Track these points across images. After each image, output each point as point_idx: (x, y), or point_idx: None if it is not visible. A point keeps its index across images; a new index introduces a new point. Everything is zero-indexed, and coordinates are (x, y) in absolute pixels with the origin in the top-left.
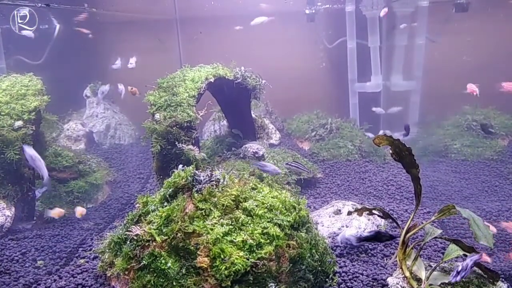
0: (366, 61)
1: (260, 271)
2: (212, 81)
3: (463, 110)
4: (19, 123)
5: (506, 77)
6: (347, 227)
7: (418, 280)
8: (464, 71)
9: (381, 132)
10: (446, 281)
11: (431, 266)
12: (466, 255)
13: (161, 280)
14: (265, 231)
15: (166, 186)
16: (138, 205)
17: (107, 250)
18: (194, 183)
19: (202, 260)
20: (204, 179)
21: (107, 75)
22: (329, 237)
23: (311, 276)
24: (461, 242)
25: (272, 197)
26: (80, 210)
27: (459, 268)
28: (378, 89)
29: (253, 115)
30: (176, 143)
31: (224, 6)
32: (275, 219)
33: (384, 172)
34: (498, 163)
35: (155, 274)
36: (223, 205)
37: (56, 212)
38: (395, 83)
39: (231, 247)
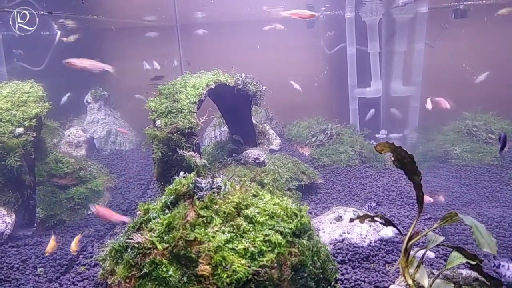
0: (366, 67)
1: (262, 279)
2: (213, 87)
3: (462, 116)
4: (20, 130)
5: (505, 83)
6: (348, 233)
7: None
8: (464, 77)
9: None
10: None
11: (434, 274)
12: (469, 263)
13: None
14: (266, 238)
15: (167, 193)
16: (139, 212)
17: (108, 258)
18: (195, 190)
19: (204, 268)
20: (205, 186)
21: (107, 81)
22: (331, 243)
23: (313, 283)
24: (464, 250)
25: (273, 204)
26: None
27: None
28: (378, 95)
29: (253, 121)
30: (177, 149)
31: (224, 12)
32: (277, 226)
33: (385, 178)
34: (499, 169)
35: (156, 282)
36: (224, 212)
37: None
38: (395, 89)
39: (232, 255)
